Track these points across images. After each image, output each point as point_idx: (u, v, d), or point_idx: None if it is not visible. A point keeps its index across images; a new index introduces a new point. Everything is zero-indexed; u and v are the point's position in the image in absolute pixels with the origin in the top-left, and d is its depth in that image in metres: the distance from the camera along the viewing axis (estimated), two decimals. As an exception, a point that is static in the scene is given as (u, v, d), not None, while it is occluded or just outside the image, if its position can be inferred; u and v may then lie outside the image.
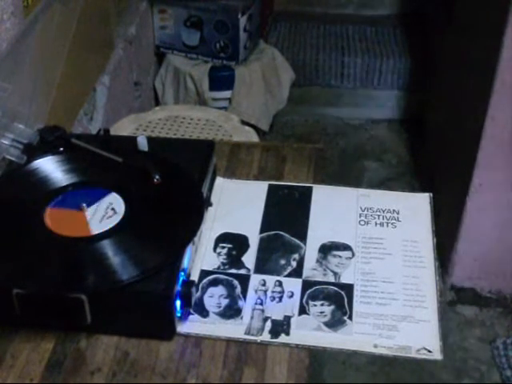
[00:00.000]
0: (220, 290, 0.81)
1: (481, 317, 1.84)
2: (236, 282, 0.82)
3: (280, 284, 0.82)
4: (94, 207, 0.82)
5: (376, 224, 0.91)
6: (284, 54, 2.40)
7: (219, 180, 0.98)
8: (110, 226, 0.79)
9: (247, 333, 0.76)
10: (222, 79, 2.17)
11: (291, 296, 0.80)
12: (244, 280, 0.83)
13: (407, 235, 0.89)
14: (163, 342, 0.75)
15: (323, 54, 2.53)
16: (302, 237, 0.89)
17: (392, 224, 0.91)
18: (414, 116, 2.55)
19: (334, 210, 0.94)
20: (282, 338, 0.76)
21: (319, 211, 0.93)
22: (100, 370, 0.72)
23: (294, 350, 0.74)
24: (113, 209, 0.82)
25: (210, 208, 0.92)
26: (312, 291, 0.81)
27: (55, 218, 0.81)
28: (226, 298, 0.80)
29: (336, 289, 0.82)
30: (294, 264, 0.85)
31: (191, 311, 0.78)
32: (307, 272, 0.84)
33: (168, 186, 0.85)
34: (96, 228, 0.79)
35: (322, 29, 2.70)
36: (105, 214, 0.81)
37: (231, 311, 0.79)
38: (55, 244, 0.78)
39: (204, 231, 0.88)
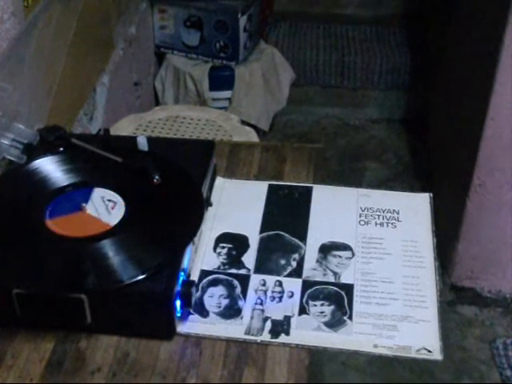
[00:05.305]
0: (220, 290, 0.81)
1: (481, 317, 1.84)
2: (236, 282, 0.82)
3: (280, 284, 0.82)
4: (90, 205, 0.82)
5: (376, 224, 0.91)
6: (284, 54, 2.40)
7: (219, 180, 0.98)
8: (122, 213, 0.80)
9: (247, 333, 0.76)
10: (221, 79, 2.17)
11: (291, 296, 0.80)
12: (244, 280, 0.83)
13: (407, 235, 0.89)
14: (163, 342, 0.75)
15: (323, 54, 2.53)
16: (302, 237, 0.89)
17: (392, 224, 0.91)
18: (414, 116, 2.55)
19: (333, 209, 0.94)
20: (282, 338, 0.76)
21: (319, 211, 0.93)
22: (100, 370, 0.72)
23: (294, 350, 0.74)
24: (109, 200, 0.82)
25: (209, 208, 0.92)
26: (312, 291, 0.81)
27: (60, 226, 0.80)
28: (226, 298, 0.80)
29: (336, 289, 0.82)
30: (294, 264, 0.85)
31: (191, 311, 0.78)
32: (307, 272, 0.84)
33: (168, 186, 0.85)
34: (111, 219, 0.80)
35: (322, 29, 2.70)
36: (106, 205, 0.81)
37: (231, 311, 0.79)
38: (55, 244, 0.78)
39: (204, 231, 0.88)
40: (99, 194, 0.84)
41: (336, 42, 2.60)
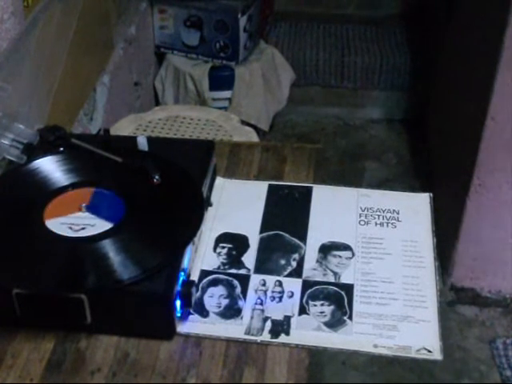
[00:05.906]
0: (220, 290, 0.81)
1: (481, 317, 1.84)
2: (236, 282, 0.82)
3: (280, 284, 0.82)
4: (89, 215, 0.81)
5: (376, 224, 0.91)
6: (284, 53, 2.40)
7: (219, 180, 0.98)
8: (62, 234, 0.78)
9: (247, 333, 0.76)
10: (222, 79, 2.17)
11: (291, 296, 0.80)
12: (244, 280, 0.82)
13: (407, 235, 0.89)
14: (163, 342, 0.75)
15: (323, 54, 2.53)
16: (302, 237, 0.89)
17: (392, 224, 0.91)
18: (414, 116, 2.55)
19: (334, 209, 0.94)
20: (282, 338, 0.76)
21: (319, 211, 0.93)
22: (100, 370, 0.72)
23: (294, 350, 0.74)
24: (89, 225, 0.80)
25: (209, 208, 0.92)
26: (312, 291, 0.81)
27: (65, 199, 0.82)
28: (226, 298, 0.80)
29: (336, 289, 0.82)
30: (294, 264, 0.85)
31: (191, 311, 0.78)
32: (307, 272, 0.84)
33: (168, 186, 0.85)
34: (52, 226, 0.79)
35: (322, 29, 2.70)
36: (79, 224, 0.79)
37: (231, 311, 0.79)
38: (55, 244, 0.78)
39: (204, 231, 0.88)
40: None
41: (336, 42, 2.60)
